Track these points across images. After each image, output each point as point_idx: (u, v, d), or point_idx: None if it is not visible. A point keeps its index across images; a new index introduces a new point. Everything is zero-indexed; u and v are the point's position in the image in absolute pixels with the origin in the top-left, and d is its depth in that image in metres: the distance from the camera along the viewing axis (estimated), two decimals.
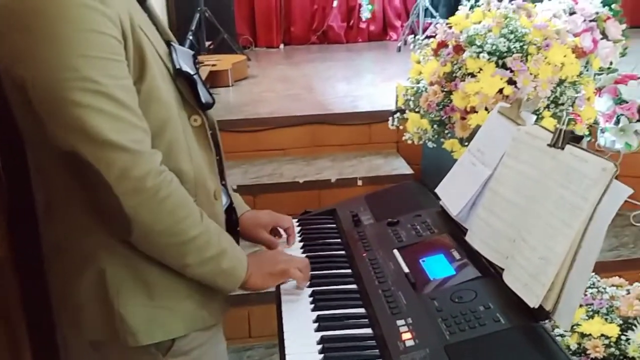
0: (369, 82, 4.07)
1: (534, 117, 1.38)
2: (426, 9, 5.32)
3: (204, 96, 1.20)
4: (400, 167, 2.97)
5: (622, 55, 2.87)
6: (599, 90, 2.60)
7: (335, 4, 5.94)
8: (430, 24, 5.40)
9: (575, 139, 1.18)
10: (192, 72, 1.18)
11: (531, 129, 1.34)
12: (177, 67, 1.14)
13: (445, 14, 5.45)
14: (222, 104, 3.49)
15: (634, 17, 6.05)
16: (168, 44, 1.18)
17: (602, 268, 2.02)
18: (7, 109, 1.09)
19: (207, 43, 4.65)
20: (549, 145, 1.22)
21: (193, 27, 4.52)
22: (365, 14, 6.00)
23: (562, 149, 1.18)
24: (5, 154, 1.27)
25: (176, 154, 1.11)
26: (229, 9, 5.13)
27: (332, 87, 3.91)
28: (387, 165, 3.00)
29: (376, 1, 6.04)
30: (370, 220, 1.66)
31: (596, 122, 2.57)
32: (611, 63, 2.55)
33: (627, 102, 2.50)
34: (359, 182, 2.87)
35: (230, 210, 1.35)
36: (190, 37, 4.52)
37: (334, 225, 1.70)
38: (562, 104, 2.04)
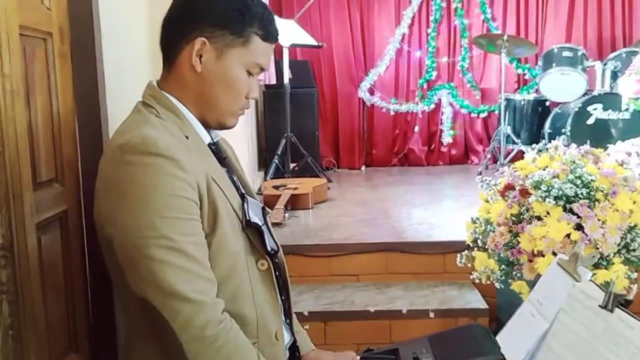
0: (446, 209, 4.11)
1: (590, 274, 1.40)
2: (507, 136, 5.40)
3: (269, 243, 1.33)
4: (475, 300, 2.94)
5: None
6: None
7: (416, 129, 6.16)
8: (512, 149, 5.49)
9: (625, 303, 1.19)
10: (260, 223, 1.32)
11: (585, 286, 1.36)
12: (248, 218, 1.29)
13: (527, 140, 5.52)
14: (301, 227, 3.64)
15: None
16: (242, 196, 1.33)
17: None
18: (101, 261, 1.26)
19: (292, 165, 4.91)
20: (600, 306, 1.23)
21: (279, 152, 4.82)
22: (447, 139, 6.16)
23: (612, 311, 1.19)
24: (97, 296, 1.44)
25: (241, 299, 1.22)
26: (314, 134, 5.45)
27: (408, 213, 3.99)
28: (461, 297, 2.98)
29: (458, 126, 6.20)
30: None
31: None
32: None
33: None
34: (431, 315, 2.85)
35: (293, 348, 1.44)
36: (276, 161, 4.81)
37: None
38: (634, 250, 2.02)
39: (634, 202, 2.01)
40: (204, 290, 1.13)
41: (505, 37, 5.31)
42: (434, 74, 6.18)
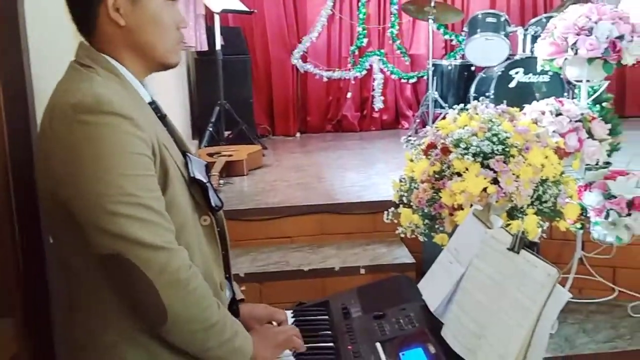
0: (377, 171, 4.24)
1: (501, 221, 1.52)
2: (435, 100, 5.56)
3: (213, 200, 1.38)
4: (402, 256, 3.09)
5: (615, 150, 3.00)
6: (589, 185, 2.73)
7: (349, 95, 6.24)
8: (440, 114, 5.65)
9: (530, 245, 1.31)
10: (204, 180, 1.37)
11: (496, 232, 1.47)
12: (192, 175, 1.33)
13: (454, 104, 5.67)
14: (235, 193, 3.68)
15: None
16: (184, 154, 1.37)
17: None
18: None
19: (226, 133, 4.91)
20: (508, 249, 1.35)
21: (213, 119, 4.80)
22: (378, 105, 6.28)
23: (518, 253, 1.31)
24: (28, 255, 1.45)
25: (191, 253, 1.27)
26: (248, 102, 5.44)
27: (341, 177, 4.09)
28: (390, 254, 3.11)
29: (389, 92, 6.33)
30: (359, 312, 1.76)
31: (587, 215, 2.68)
32: (598, 161, 2.68)
33: (615, 197, 2.62)
34: (362, 271, 2.98)
35: (232, 301, 1.50)
36: (210, 129, 4.80)
37: (326, 317, 1.80)
38: (546, 202, 2.17)
39: (546, 157, 2.16)
40: (171, 239, 1.18)
41: (432, 4, 5.41)
42: (365, 40, 6.26)
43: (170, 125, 1.42)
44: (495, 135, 2.16)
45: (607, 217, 2.62)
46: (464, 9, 6.24)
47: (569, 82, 5.25)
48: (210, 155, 4.26)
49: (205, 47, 4.77)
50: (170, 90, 4.21)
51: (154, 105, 1.37)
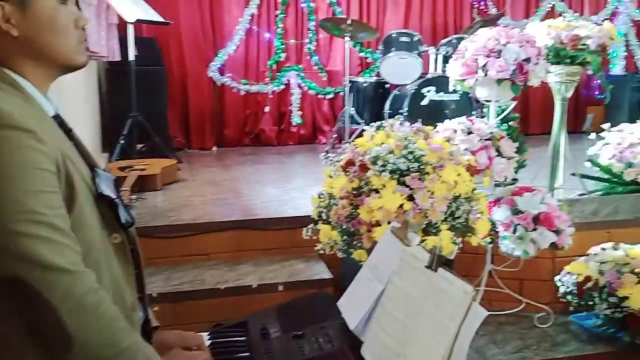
0: (296, 186, 4.24)
1: (418, 239, 1.55)
2: (352, 116, 5.64)
3: (124, 217, 1.32)
4: (321, 272, 3.08)
5: (521, 166, 3.16)
6: (498, 201, 2.84)
7: (267, 109, 6.24)
8: (356, 129, 5.75)
9: (447, 263, 1.34)
10: (113, 196, 1.30)
11: (414, 250, 1.49)
12: (99, 191, 1.26)
13: (369, 120, 5.80)
14: (148, 208, 3.56)
15: (545, 124, 6.60)
16: (92, 168, 1.30)
17: None
18: None
19: (139, 146, 4.75)
20: (426, 266, 1.37)
21: (125, 132, 4.63)
22: (296, 119, 6.31)
23: (436, 271, 1.33)
24: None
25: (99, 273, 1.20)
26: (162, 114, 5.31)
27: (259, 191, 4.06)
28: (308, 270, 3.11)
29: (306, 107, 6.37)
30: (278, 332, 1.73)
31: (496, 230, 2.78)
32: (506, 178, 2.80)
33: (522, 213, 2.74)
34: (280, 288, 2.95)
35: (145, 323, 1.43)
36: (122, 141, 4.62)
37: (244, 339, 1.76)
38: (459, 218, 2.24)
39: (459, 174, 2.23)
40: (77, 261, 1.11)
41: (349, 22, 5.52)
42: (283, 55, 6.29)
43: (76, 139, 1.35)
44: (411, 153, 2.21)
45: (514, 231, 2.73)
46: (379, 27, 6.40)
47: (477, 101, 5.49)
48: (122, 169, 4.10)
49: (117, 57, 4.60)
50: (79, 102, 4.03)
51: (58, 119, 1.30)
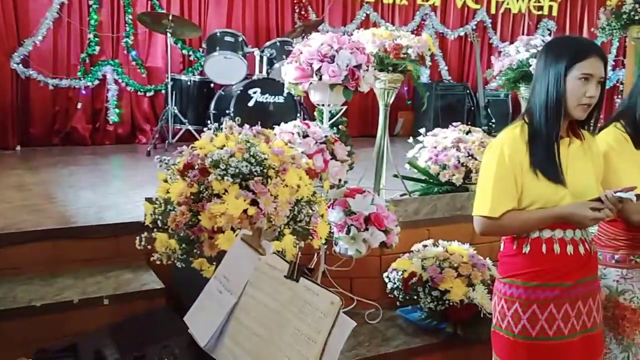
0: (117, 190, 3.95)
1: (273, 247, 1.49)
2: (175, 115, 5.43)
3: None
4: (151, 281, 2.89)
5: (350, 168, 3.26)
6: (332, 203, 2.89)
7: (79, 106, 5.78)
8: (180, 129, 5.55)
9: (309, 272, 1.30)
10: None
11: (271, 259, 1.44)
12: None
13: (194, 119, 5.64)
14: None
15: (359, 127, 6.94)
16: None
17: None
18: None
19: None
20: (285, 276, 1.32)
21: None
22: (113, 117, 5.92)
23: (297, 281, 1.29)
24: None
25: None
26: None
27: (76, 196, 3.71)
28: (136, 280, 2.89)
29: (124, 105, 6.01)
30: (116, 355, 1.59)
31: (331, 231, 2.83)
32: (340, 180, 2.86)
33: (355, 214, 2.81)
34: (106, 301, 2.70)
35: None
36: None
37: None
38: (301, 221, 2.22)
39: (300, 178, 2.21)
40: None
41: (170, 17, 5.31)
42: (97, 48, 5.88)
43: None
44: (253, 157, 2.15)
45: (348, 232, 2.80)
46: (202, 25, 6.25)
47: (301, 104, 5.61)
48: None
49: None
50: None
51: None
